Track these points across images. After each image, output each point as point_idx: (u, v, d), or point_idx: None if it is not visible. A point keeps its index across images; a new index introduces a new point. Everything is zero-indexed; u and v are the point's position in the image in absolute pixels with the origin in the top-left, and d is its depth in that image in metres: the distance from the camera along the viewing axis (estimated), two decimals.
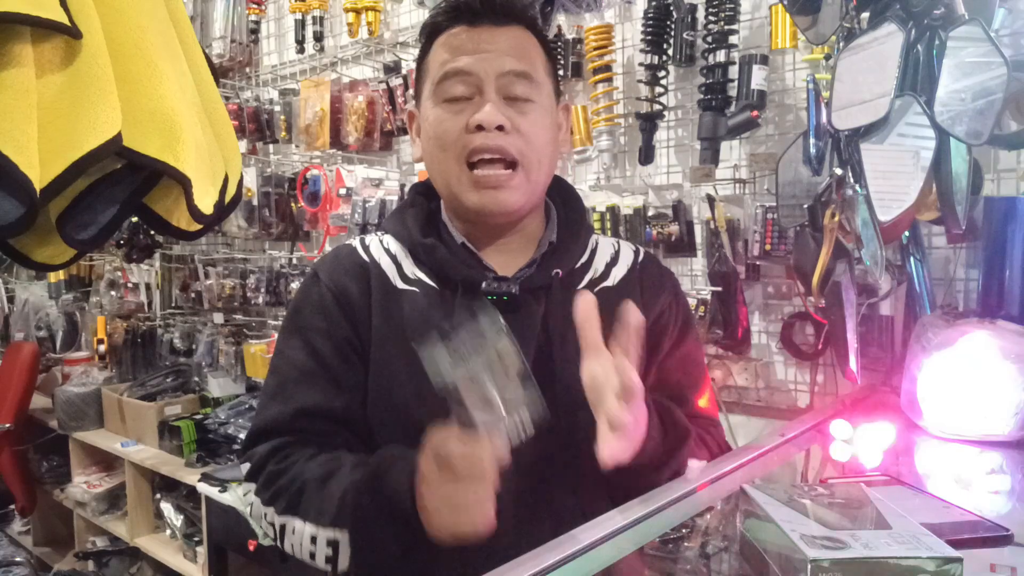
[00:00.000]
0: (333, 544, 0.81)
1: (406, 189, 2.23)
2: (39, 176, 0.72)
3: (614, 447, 0.74)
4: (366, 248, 0.99)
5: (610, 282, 1.00)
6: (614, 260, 1.03)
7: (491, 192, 0.90)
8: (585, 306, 0.77)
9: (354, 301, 0.94)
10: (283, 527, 0.85)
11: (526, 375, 0.70)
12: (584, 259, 1.01)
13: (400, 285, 0.95)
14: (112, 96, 0.76)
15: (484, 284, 0.92)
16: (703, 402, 1.03)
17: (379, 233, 1.03)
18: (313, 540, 0.82)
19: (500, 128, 0.88)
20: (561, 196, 1.04)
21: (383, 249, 0.99)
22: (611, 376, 0.74)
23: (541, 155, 0.92)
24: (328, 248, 2.45)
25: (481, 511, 0.71)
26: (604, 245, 1.05)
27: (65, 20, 0.71)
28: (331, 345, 0.93)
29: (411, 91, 2.19)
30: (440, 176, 0.94)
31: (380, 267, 0.97)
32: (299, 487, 0.85)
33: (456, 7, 0.93)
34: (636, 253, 1.05)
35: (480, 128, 0.88)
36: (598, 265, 1.01)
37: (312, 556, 0.83)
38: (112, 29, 0.78)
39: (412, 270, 0.96)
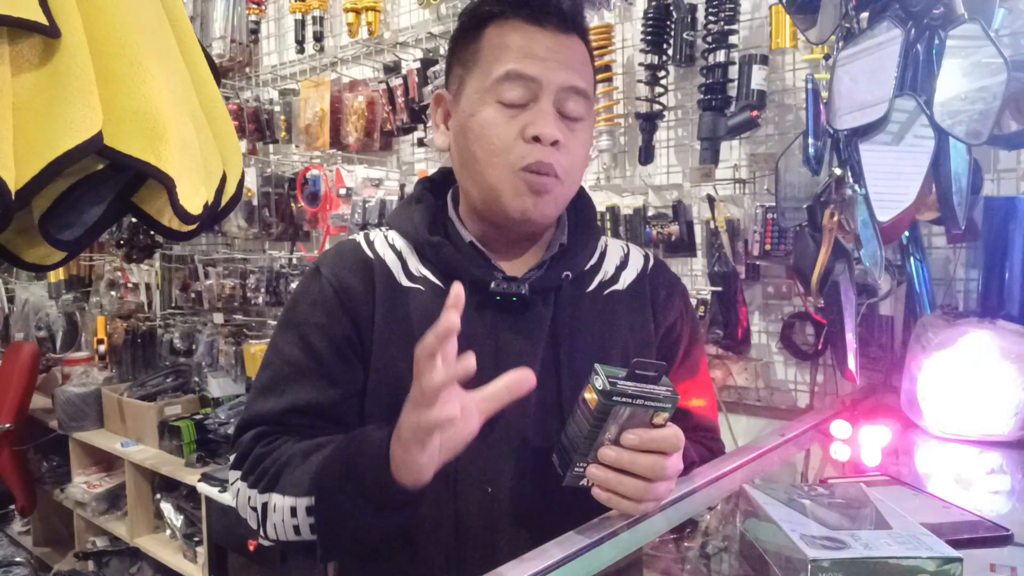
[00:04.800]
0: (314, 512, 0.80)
1: (406, 189, 2.25)
2: (15, 177, 0.72)
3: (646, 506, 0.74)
4: (370, 244, 0.97)
5: (620, 286, 0.99)
6: (624, 263, 1.01)
7: (535, 198, 0.88)
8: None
9: (357, 298, 0.92)
10: (265, 505, 0.84)
11: None
12: (593, 261, 0.99)
13: (405, 283, 0.93)
14: (92, 95, 0.75)
15: (493, 284, 0.90)
16: (707, 413, 1.03)
17: (383, 229, 1.00)
18: (293, 512, 0.81)
19: (554, 143, 0.86)
20: (572, 198, 1.02)
21: (388, 245, 0.97)
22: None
23: (578, 173, 0.92)
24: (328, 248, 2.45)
25: (422, 445, 0.69)
26: (613, 247, 1.03)
27: (43, 19, 0.70)
28: (328, 342, 0.91)
29: (412, 92, 2.19)
30: (479, 176, 0.89)
31: (385, 264, 0.94)
32: (282, 463, 0.84)
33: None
34: (646, 258, 1.04)
35: (536, 140, 0.86)
36: (607, 268, 1.00)
37: (297, 530, 0.81)
38: (94, 27, 0.77)
39: (417, 267, 0.94)
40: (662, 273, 1.04)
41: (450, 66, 0.96)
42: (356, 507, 0.76)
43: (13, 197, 0.71)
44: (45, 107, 0.73)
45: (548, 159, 0.86)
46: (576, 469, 0.74)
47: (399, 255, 0.96)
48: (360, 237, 0.99)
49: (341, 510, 0.77)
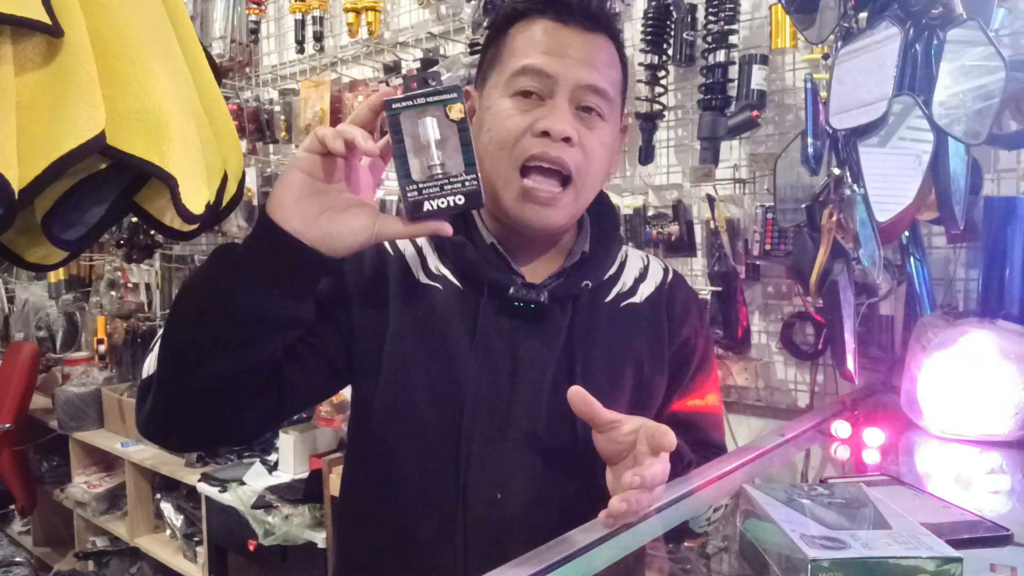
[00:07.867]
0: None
1: None
2: (18, 176, 0.72)
3: (641, 500, 0.72)
4: None
5: (637, 298, 0.98)
6: (642, 276, 1.00)
7: (537, 208, 0.86)
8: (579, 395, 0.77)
9: (366, 284, 0.90)
10: (147, 379, 0.80)
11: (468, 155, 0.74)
12: (612, 271, 0.98)
13: (423, 280, 0.92)
14: (95, 95, 0.75)
15: (512, 289, 0.89)
16: (715, 430, 1.03)
17: None
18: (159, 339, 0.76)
19: (566, 139, 0.84)
20: (595, 207, 1.00)
21: (409, 240, 0.95)
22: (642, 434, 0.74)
23: (596, 175, 0.90)
24: None
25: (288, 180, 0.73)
26: (633, 258, 1.02)
27: (46, 18, 0.70)
28: (323, 306, 0.86)
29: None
30: (488, 172, 0.87)
31: (403, 258, 0.93)
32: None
33: None
34: (665, 272, 1.03)
35: (545, 134, 0.84)
36: (626, 279, 0.99)
37: (152, 364, 0.79)
38: (97, 27, 0.77)
39: (436, 265, 0.93)
40: (680, 288, 1.03)
41: (479, 65, 0.95)
42: (211, 282, 0.75)
43: (16, 196, 0.71)
44: (48, 106, 0.73)
45: (556, 153, 0.84)
46: (409, 194, 0.75)
47: (419, 251, 0.94)
48: None
49: (193, 294, 0.77)
